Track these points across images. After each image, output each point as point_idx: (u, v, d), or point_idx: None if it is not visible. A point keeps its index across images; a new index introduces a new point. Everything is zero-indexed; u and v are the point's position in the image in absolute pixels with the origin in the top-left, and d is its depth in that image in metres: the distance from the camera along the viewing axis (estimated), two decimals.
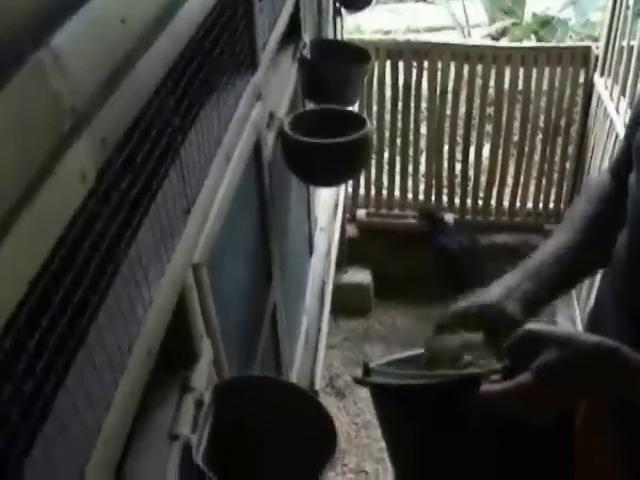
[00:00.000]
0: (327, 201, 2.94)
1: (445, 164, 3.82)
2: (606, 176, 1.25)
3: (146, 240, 0.88)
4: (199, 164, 1.08)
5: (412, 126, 3.73)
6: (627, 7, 3.13)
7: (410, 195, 3.89)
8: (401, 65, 3.59)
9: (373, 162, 3.79)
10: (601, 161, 3.19)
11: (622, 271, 1.10)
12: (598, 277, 1.33)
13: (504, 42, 5.03)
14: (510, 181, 3.84)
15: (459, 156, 3.81)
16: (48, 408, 0.66)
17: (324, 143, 1.65)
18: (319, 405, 1.12)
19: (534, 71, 3.54)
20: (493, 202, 3.87)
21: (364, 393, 3.31)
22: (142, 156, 0.83)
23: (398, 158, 3.82)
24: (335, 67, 2.09)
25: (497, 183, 3.83)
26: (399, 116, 3.71)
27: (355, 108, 2.74)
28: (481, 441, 1.02)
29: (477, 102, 3.68)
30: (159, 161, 0.89)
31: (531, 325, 0.96)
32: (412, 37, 3.71)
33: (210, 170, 1.13)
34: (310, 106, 2.13)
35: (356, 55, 2.23)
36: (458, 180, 3.86)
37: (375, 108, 3.70)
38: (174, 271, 0.93)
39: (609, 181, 1.23)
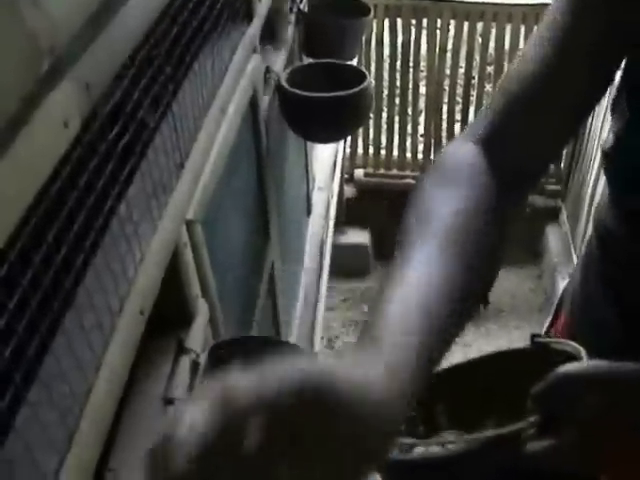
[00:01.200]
0: (325, 160, 2.90)
1: (444, 124, 3.76)
2: (475, 151, 0.82)
3: (137, 194, 0.84)
4: (193, 116, 1.04)
5: (411, 85, 3.67)
6: None
7: (409, 155, 3.84)
8: (400, 23, 3.52)
9: (371, 121, 3.73)
10: (603, 120, 3.14)
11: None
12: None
13: None
14: None
15: (458, 116, 3.75)
16: (33, 373, 0.62)
17: (323, 97, 1.60)
18: None
19: (535, 29, 3.46)
20: None
21: None
22: (132, 105, 0.79)
23: (397, 117, 3.76)
24: (334, 20, 2.04)
25: None
26: (398, 75, 3.65)
27: None
28: None
29: (477, 61, 3.62)
30: (150, 111, 0.84)
31: (565, 368, 0.76)
32: None
33: (204, 123, 1.08)
34: (308, 61, 2.08)
35: (354, 9, 2.17)
36: None
37: (373, 67, 3.63)
38: (167, 228, 0.89)
39: (482, 159, 0.81)
